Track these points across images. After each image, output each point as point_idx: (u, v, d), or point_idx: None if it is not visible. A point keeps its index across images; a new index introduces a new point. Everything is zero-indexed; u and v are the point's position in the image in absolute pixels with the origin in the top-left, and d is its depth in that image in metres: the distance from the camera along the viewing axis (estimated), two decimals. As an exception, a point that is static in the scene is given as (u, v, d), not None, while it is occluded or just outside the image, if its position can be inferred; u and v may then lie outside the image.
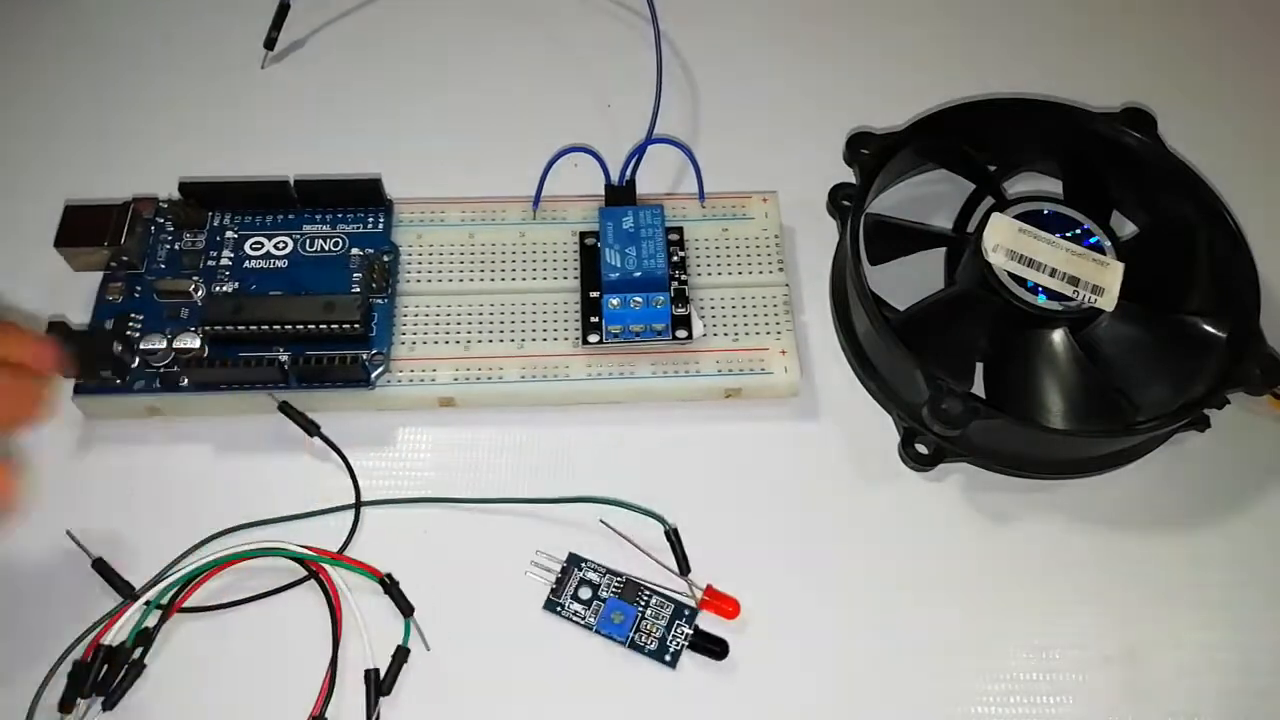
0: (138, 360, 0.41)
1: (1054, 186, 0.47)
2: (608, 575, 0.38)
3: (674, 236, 0.44)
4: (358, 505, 0.39)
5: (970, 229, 0.45)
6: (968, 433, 0.38)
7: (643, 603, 0.37)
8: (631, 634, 0.37)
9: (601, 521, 0.39)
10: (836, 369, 0.43)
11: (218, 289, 0.42)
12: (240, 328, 0.40)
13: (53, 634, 0.36)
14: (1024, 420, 0.39)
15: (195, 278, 0.42)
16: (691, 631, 0.37)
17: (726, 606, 0.37)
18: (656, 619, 0.37)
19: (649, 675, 0.37)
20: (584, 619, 0.37)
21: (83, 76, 0.51)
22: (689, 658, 0.37)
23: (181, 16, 0.54)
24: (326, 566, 0.38)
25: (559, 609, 0.37)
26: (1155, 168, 0.44)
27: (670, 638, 0.37)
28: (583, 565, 0.38)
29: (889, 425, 0.42)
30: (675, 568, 0.38)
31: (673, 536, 0.38)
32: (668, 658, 0.37)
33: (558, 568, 0.38)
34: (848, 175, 0.46)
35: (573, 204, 0.45)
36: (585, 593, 0.38)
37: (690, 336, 0.42)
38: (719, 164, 0.46)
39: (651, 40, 0.47)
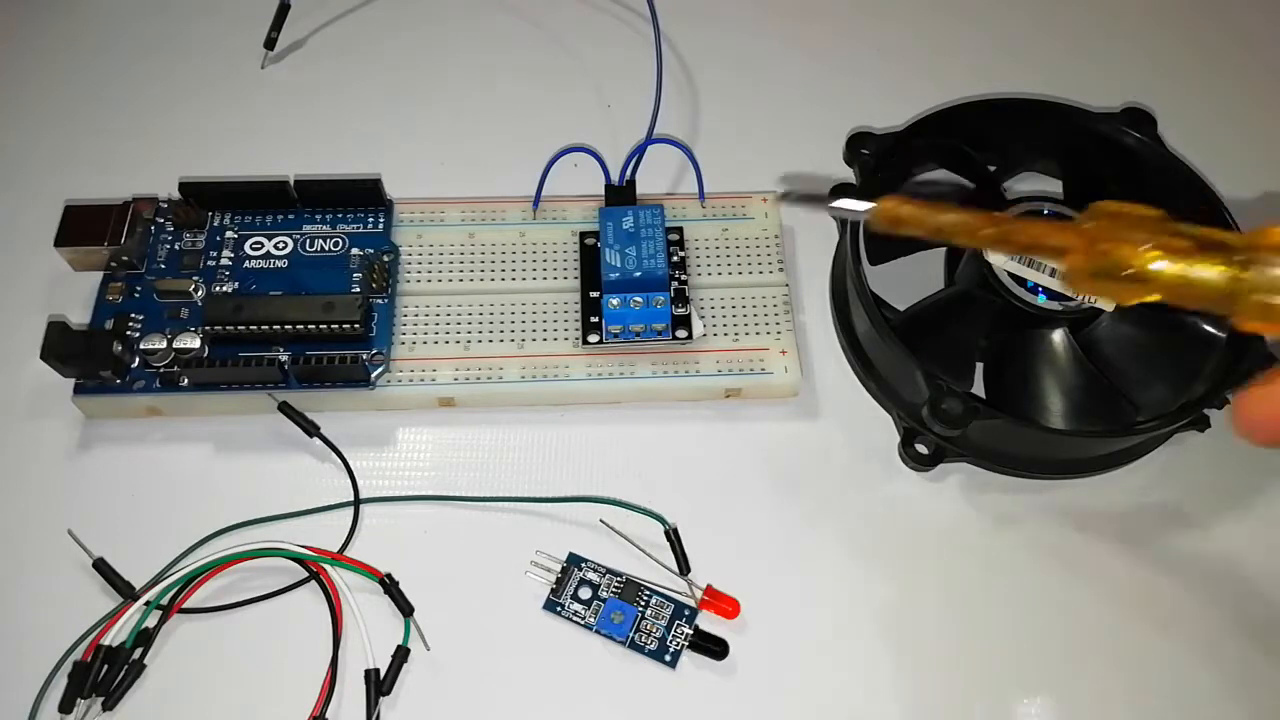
0: (138, 360, 0.41)
1: (1054, 186, 0.47)
2: (608, 575, 0.38)
3: (674, 236, 0.44)
4: (356, 503, 0.39)
5: (970, 229, 0.45)
6: (968, 433, 0.38)
7: (643, 603, 0.37)
8: (631, 634, 0.37)
9: (601, 521, 0.39)
10: (836, 369, 0.43)
11: (218, 289, 0.42)
12: (240, 328, 0.40)
13: (53, 634, 0.36)
14: (1024, 420, 0.39)
15: (195, 278, 0.42)
16: (691, 631, 0.37)
17: (726, 606, 0.37)
18: (656, 619, 0.37)
19: (649, 675, 0.37)
20: (584, 619, 0.37)
21: (83, 76, 0.51)
22: (689, 658, 0.37)
23: (181, 16, 0.54)
24: (326, 567, 0.38)
25: (559, 609, 0.37)
26: (1155, 168, 0.44)
27: (670, 638, 0.37)
28: (583, 565, 0.38)
29: (889, 425, 0.42)
30: (675, 567, 0.38)
31: (673, 536, 0.38)
32: (668, 658, 0.37)
33: (558, 568, 0.38)
34: (848, 175, 0.46)
35: (573, 204, 0.45)
36: (585, 593, 0.38)
37: (690, 336, 0.42)
38: (719, 164, 0.46)
39: (651, 40, 0.47)
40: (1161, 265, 0.24)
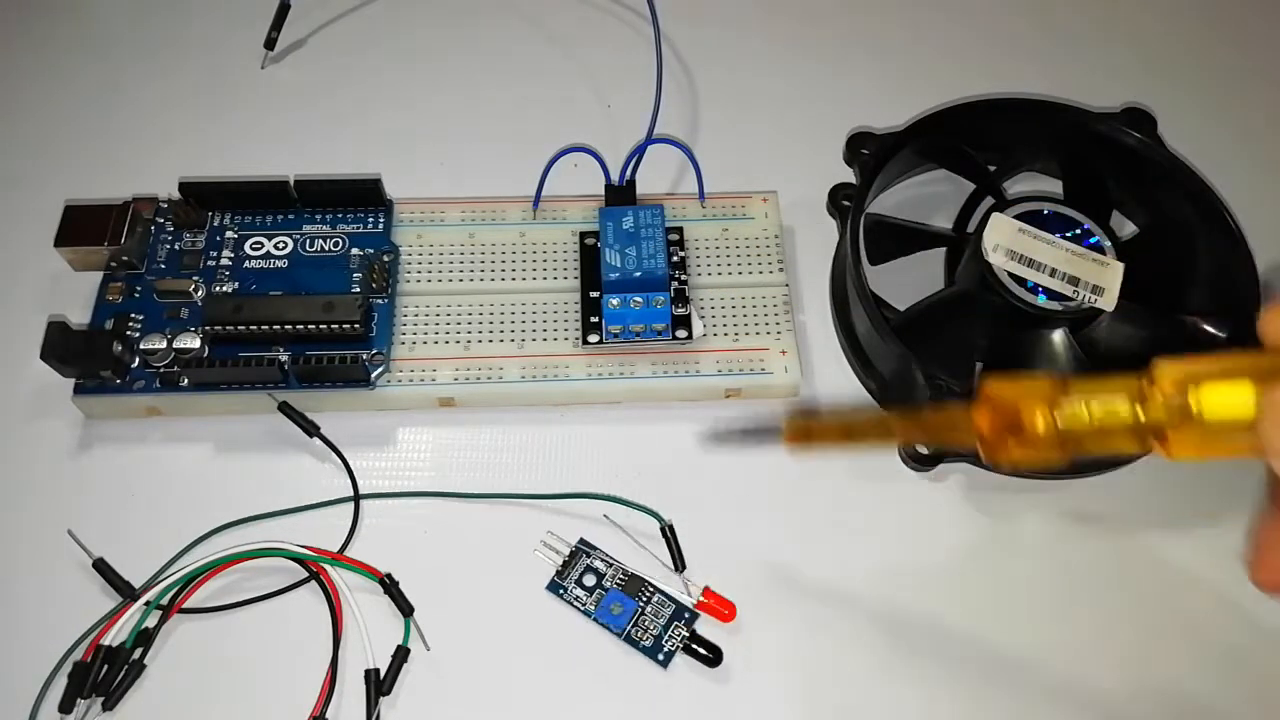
0: (138, 360, 0.41)
1: (1054, 186, 0.47)
2: (614, 567, 0.38)
3: (674, 236, 0.44)
4: (356, 501, 0.39)
5: (970, 229, 0.45)
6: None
7: (644, 599, 0.37)
8: (628, 627, 0.37)
9: (605, 517, 0.39)
10: (836, 369, 0.43)
11: (218, 289, 0.42)
12: (240, 328, 0.40)
13: (53, 634, 0.36)
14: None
15: (195, 278, 0.42)
16: (688, 634, 0.37)
17: (723, 609, 0.37)
18: (656, 616, 0.37)
19: (641, 672, 0.37)
20: (584, 604, 0.37)
21: (83, 77, 0.51)
22: (682, 660, 0.37)
23: (181, 17, 0.54)
24: (327, 567, 0.38)
25: (561, 591, 0.37)
26: (1155, 168, 0.44)
27: (666, 637, 0.37)
28: (591, 553, 0.38)
29: (889, 425, 0.42)
30: (670, 564, 0.38)
31: (668, 532, 0.38)
32: (660, 657, 0.37)
33: (566, 550, 0.38)
34: (848, 175, 0.46)
35: (573, 204, 0.45)
36: (590, 579, 0.38)
37: (690, 336, 0.42)
38: (719, 164, 0.46)
39: (651, 40, 0.47)
40: (1074, 417, 0.24)
